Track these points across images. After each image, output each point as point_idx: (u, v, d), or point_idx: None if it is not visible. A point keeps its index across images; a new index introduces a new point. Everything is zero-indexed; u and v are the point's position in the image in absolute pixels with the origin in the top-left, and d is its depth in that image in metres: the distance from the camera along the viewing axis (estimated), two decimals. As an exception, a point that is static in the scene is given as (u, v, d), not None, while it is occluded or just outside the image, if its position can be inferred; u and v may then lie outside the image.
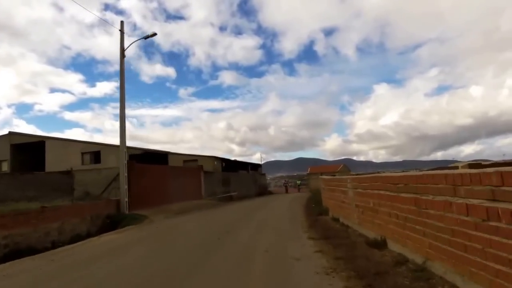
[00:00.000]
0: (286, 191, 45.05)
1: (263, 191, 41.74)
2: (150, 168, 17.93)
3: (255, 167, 45.29)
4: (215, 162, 27.60)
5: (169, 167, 20.46)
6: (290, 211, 14.88)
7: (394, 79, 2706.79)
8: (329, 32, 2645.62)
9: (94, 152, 25.90)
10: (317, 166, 71.70)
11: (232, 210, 17.01)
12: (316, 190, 33.02)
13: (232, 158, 37.94)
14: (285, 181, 55.90)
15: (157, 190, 16.85)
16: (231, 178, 28.63)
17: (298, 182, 52.62)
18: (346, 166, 62.02)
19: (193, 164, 26.30)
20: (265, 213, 14.67)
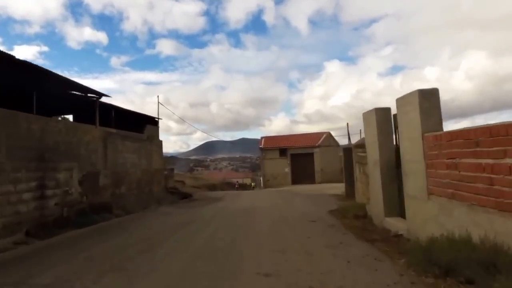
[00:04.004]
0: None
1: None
2: None
3: (121, 117, 16.20)
4: None
5: None
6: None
7: (346, 57, 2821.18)
8: (279, 0, 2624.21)
9: None
10: (277, 137, 41.36)
11: None
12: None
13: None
14: (237, 184, 47.42)
15: None
16: None
17: (252, 184, 46.76)
18: (331, 135, 36.29)
19: None
20: None
